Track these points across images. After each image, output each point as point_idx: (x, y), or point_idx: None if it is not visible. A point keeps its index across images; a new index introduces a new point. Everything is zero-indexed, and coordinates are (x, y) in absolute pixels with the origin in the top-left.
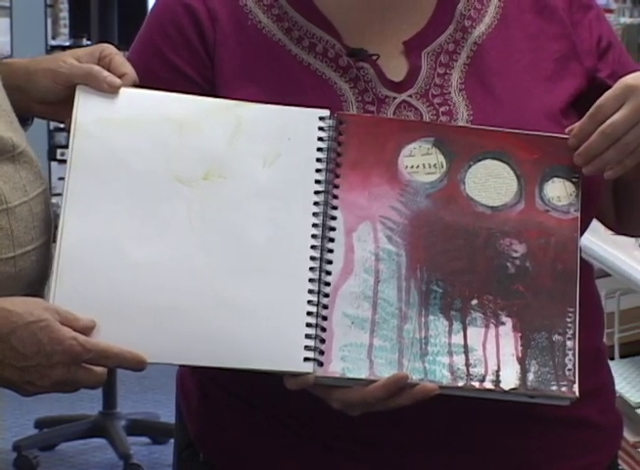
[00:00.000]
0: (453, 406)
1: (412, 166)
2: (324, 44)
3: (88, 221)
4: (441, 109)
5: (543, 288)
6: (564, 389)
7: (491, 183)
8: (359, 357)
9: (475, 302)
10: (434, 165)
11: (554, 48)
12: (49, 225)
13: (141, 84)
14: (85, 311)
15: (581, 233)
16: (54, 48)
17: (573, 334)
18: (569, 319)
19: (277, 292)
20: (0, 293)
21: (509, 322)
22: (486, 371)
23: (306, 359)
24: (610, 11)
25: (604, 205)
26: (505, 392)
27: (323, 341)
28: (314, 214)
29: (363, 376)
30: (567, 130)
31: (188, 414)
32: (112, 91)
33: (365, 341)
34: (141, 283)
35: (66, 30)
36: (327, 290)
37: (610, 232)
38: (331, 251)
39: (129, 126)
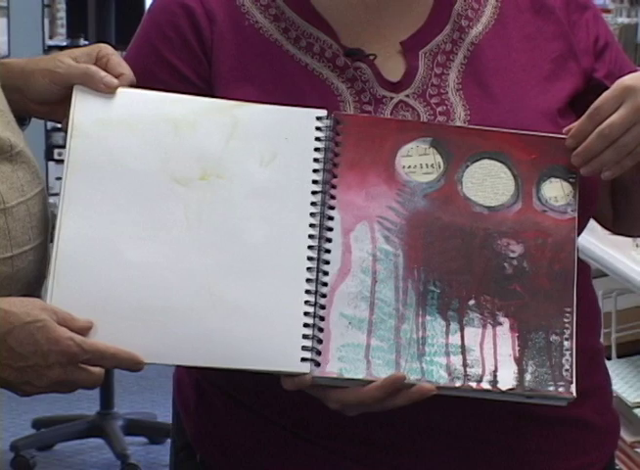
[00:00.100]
0: (450, 407)
1: (409, 167)
2: (321, 44)
3: (85, 222)
4: (439, 109)
5: (540, 288)
6: (561, 389)
7: (489, 183)
8: (356, 358)
9: (472, 302)
10: (432, 166)
11: (551, 48)
12: (46, 225)
13: (138, 84)
14: (82, 312)
15: (578, 233)
16: (51, 48)
17: (571, 334)
18: (566, 319)
19: (274, 292)
20: None
21: (506, 322)
22: (484, 371)
23: (303, 360)
24: (607, 11)
25: (601, 205)
26: (502, 392)
27: (320, 341)
28: (311, 214)
29: (360, 376)
30: (564, 130)
31: (185, 415)
32: (109, 91)
33: (362, 341)
34: (138, 283)
35: (63, 30)
36: (324, 290)
37: (607, 232)
38: (328, 251)
39: (126, 127)
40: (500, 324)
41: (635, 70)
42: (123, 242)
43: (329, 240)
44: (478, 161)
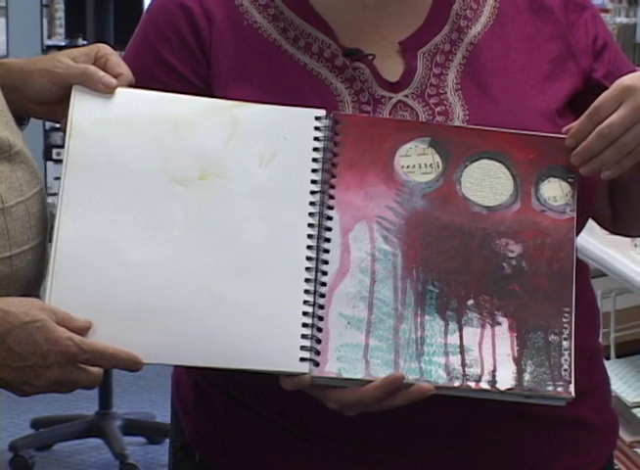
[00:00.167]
0: (449, 407)
1: (408, 166)
2: (320, 44)
3: (84, 221)
4: (437, 109)
5: (539, 288)
6: (560, 389)
7: (487, 183)
8: (355, 358)
9: (471, 302)
10: (430, 165)
11: (550, 48)
12: (45, 225)
13: (137, 84)
14: (81, 312)
15: (577, 233)
16: (50, 48)
17: (569, 334)
18: (565, 319)
19: (273, 292)
20: None
21: (505, 322)
22: (482, 371)
23: (302, 359)
24: (606, 11)
25: (600, 205)
26: (501, 392)
27: (319, 341)
28: (310, 214)
29: (359, 376)
30: (563, 130)
31: (184, 415)
32: (107, 91)
33: (361, 341)
34: (137, 283)
35: (61, 30)
36: (323, 290)
37: (606, 232)
38: (327, 251)
39: (125, 127)
40: (499, 324)
41: (634, 70)
42: (123, 242)
43: (328, 240)
44: (476, 160)
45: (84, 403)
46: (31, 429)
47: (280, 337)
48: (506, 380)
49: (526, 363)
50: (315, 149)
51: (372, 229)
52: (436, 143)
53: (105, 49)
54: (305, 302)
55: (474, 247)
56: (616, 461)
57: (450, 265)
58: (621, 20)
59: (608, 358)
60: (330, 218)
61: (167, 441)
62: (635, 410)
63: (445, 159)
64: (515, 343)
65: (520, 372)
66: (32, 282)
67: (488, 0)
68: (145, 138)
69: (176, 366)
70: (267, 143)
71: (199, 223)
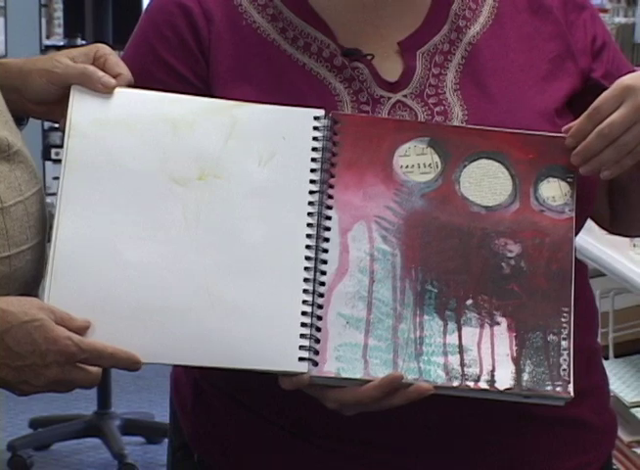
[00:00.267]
0: (448, 406)
1: (407, 166)
2: (319, 44)
3: (83, 221)
4: (436, 109)
5: (538, 288)
6: (558, 389)
7: (486, 183)
8: (354, 357)
9: (469, 302)
10: (429, 165)
11: (549, 48)
12: (44, 225)
13: (136, 84)
14: (80, 311)
15: (576, 233)
16: (48, 48)
17: (568, 334)
18: (563, 319)
19: (272, 292)
20: None
21: (504, 322)
22: (481, 371)
23: (301, 359)
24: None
25: (598, 205)
26: (500, 392)
27: (318, 341)
28: (309, 214)
29: (358, 376)
30: (563, 130)
31: (182, 414)
32: (106, 91)
33: (360, 341)
34: (136, 283)
35: (60, 30)
36: (322, 290)
37: (604, 232)
38: (326, 251)
39: (124, 127)
40: (498, 324)
41: (633, 70)
42: (121, 242)
43: (326, 240)
44: (475, 160)
45: (83, 403)
46: (30, 429)
47: (279, 336)
48: (505, 380)
49: (525, 363)
50: (314, 149)
51: (371, 229)
52: (435, 143)
53: (104, 49)
54: (304, 301)
55: (472, 247)
56: (614, 461)
57: (449, 265)
58: (620, 19)
59: (606, 358)
60: (329, 218)
61: (166, 440)
62: (634, 410)
63: (444, 158)
64: (514, 343)
65: (518, 372)
66: (31, 282)
67: (487, 0)
68: (144, 138)
69: (175, 366)
70: (266, 143)
71: (198, 223)
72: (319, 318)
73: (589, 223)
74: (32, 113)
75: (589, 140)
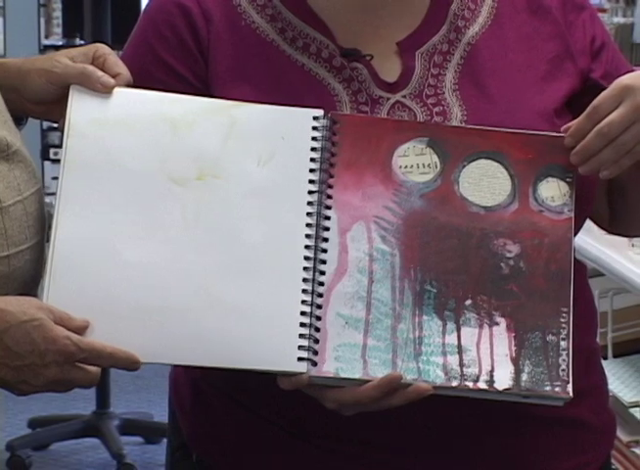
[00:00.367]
0: (447, 407)
1: (406, 166)
2: (318, 44)
3: (82, 221)
4: (435, 109)
5: (537, 288)
6: (557, 389)
7: (485, 183)
8: (353, 357)
9: (468, 302)
10: (428, 165)
11: (548, 48)
12: (43, 225)
13: (135, 84)
14: (79, 311)
15: (575, 233)
16: (47, 48)
17: (567, 334)
18: (562, 320)
19: (271, 292)
20: None
21: (503, 322)
22: (480, 371)
23: (300, 359)
24: (603, 10)
25: (597, 205)
26: (499, 392)
27: (317, 341)
28: (308, 214)
29: (357, 376)
30: (562, 129)
31: (181, 414)
32: (105, 91)
33: (359, 341)
34: (135, 283)
35: (59, 30)
36: (321, 290)
37: (603, 232)
38: (325, 251)
39: (123, 126)
40: (497, 324)
41: (632, 70)
42: (120, 242)
43: (325, 240)
44: (474, 160)
45: (81, 403)
46: (28, 429)
47: (278, 336)
48: (504, 380)
49: (524, 363)
50: (313, 149)
51: (370, 229)
52: (434, 143)
53: (103, 49)
54: (303, 301)
55: (471, 247)
56: (613, 461)
57: (448, 265)
58: (619, 19)
59: (605, 358)
60: (328, 218)
61: (165, 440)
62: (632, 410)
63: (443, 159)
64: (513, 343)
65: (517, 372)
66: (30, 282)
67: (486, 0)
68: (143, 138)
69: (174, 366)
70: (265, 143)
71: (197, 223)
72: (318, 318)
73: (588, 223)
74: (31, 112)
75: (588, 139)
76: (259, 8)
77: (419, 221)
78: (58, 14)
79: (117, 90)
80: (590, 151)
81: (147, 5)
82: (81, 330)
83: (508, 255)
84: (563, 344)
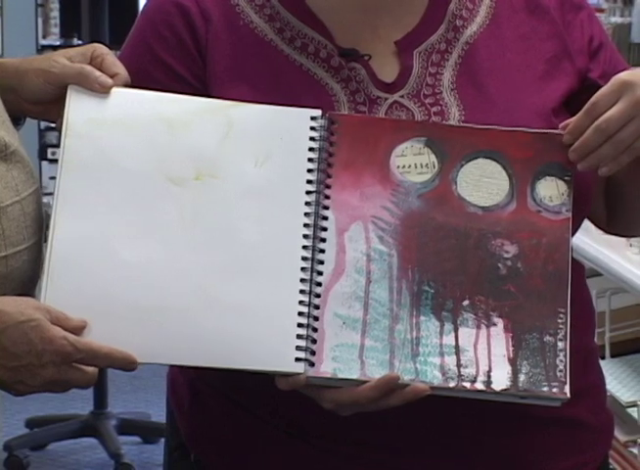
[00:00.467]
0: (444, 407)
1: (404, 166)
2: (316, 44)
3: (79, 221)
4: (433, 109)
5: (534, 289)
6: (555, 390)
7: (483, 183)
8: (350, 358)
9: (466, 302)
10: (426, 165)
11: (546, 48)
12: (41, 225)
13: (133, 84)
14: (76, 311)
15: (573, 233)
16: (44, 48)
17: (565, 335)
18: (560, 320)
19: (268, 292)
20: None
21: (500, 323)
22: (478, 372)
23: (298, 360)
24: (600, 10)
25: (595, 205)
26: (496, 393)
27: (314, 341)
28: (306, 214)
29: (354, 376)
30: (560, 126)
31: (179, 414)
32: (103, 91)
33: (356, 341)
34: (132, 283)
35: (56, 30)
36: (318, 290)
37: (601, 232)
38: (322, 251)
39: (121, 126)
40: (494, 325)
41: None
42: (118, 241)
43: (323, 240)
44: (472, 160)
45: (79, 403)
46: (26, 428)
47: (275, 337)
48: (501, 381)
49: (522, 364)
50: (311, 149)
51: (367, 229)
52: (432, 143)
53: (101, 49)
54: (301, 302)
55: (469, 247)
56: (611, 461)
57: (446, 266)
58: (616, 19)
59: (603, 358)
60: (325, 218)
61: (163, 440)
62: (630, 410)
63: (441, 158)
64: (510, 343)
65: (515, 373)
66: (28, 282)
67: (484, 0)
68: (141, 138)
69: (171, 366)
70: (263, 143)
71: (194, 223)
72: (316, 319)
73: (586, 223)
74: (29, 112)
75: (587, 135)
76: (258, 8)
77: (417, 222)
78: (55, 14)
79: (115, 90)
80: (589, 147)
81: (145, 5)
82: (78, 330)
83: (506, 255)
84: (560, 344)
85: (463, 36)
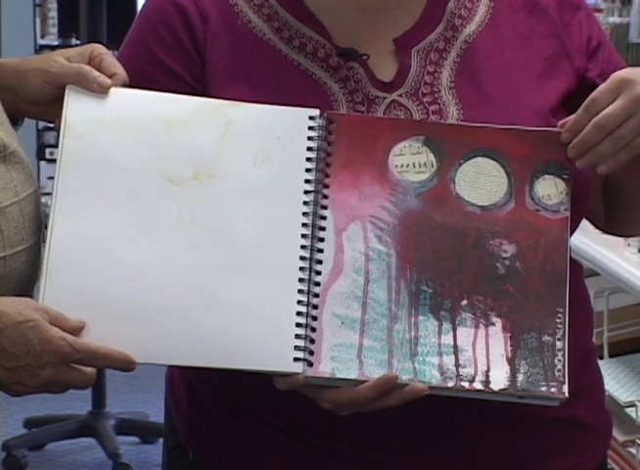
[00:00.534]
0: (443, 407)
1: (402, 166)
2: (314, 44)
3: (78, 221)
4: (431, 108)
5: (533, 288)
6: (553, 389)
7: (481, 182)
8: (349, 358)
9: (464, 302)
10: (425, 164)
11: (544, 47)
12: (39, 226)
13: (132, 84)
14: (75, 312)
15: (571, 233)
16: (43, 47)
17: (563, 334)
18: (558, 320)
19: (267, 292)
20: None
21: (499, 323)
22: (476, 372)
23: (296, 359)
24: (599, 10)
25: (593, 204)
26: (495, 392)
27: (313, 341)
28: (304, 214)
29: (353, 376)
30: (559, 124)
31: (177, 414)
32: (102, 91)
33: (355, 341)
34: (131, 283)
35: (54, 30)
36: (317, 290)
37: (599, 231)
38: (321, 250)
39: (119, 126)
40: (492, 324)
41: None
42: (116, 241)
43: (321, 240)
44: (471, 158)
45: (77, 403)
46: (24, 428)
47: (274, 337)
48: (499, 380)
49: (520, 364)
50: (309, 148)
51: (366, 229)
52: (431, 142)
53: (99, 49)
54: (299, 301)
55: (467, 247)
56: (609, 460)
57: (444, 265)
58: (614, 19)
59: (601, 358)
60: (324, 218)
61: (161, 440)
62: (628, 410)
63: (440, 157)
64: (508, 343)
65: (513, 372)
66: (26, 282)
67: None
68: (139, 138)
69: (169, 366)
70: (261, 143)
71: (192, 223)
72: (314, 318)
73: (584, 223)
74: (27, 112)
75: (585, 132)
76: (256, 7)
77: (415, 221)
78: (53, 14)
79: (114, 90)
80: (588, 144)
81: (143, 5)
82: (77, 331)
83: (504, 255)
84: (558, 344)
85: (461, 35)
